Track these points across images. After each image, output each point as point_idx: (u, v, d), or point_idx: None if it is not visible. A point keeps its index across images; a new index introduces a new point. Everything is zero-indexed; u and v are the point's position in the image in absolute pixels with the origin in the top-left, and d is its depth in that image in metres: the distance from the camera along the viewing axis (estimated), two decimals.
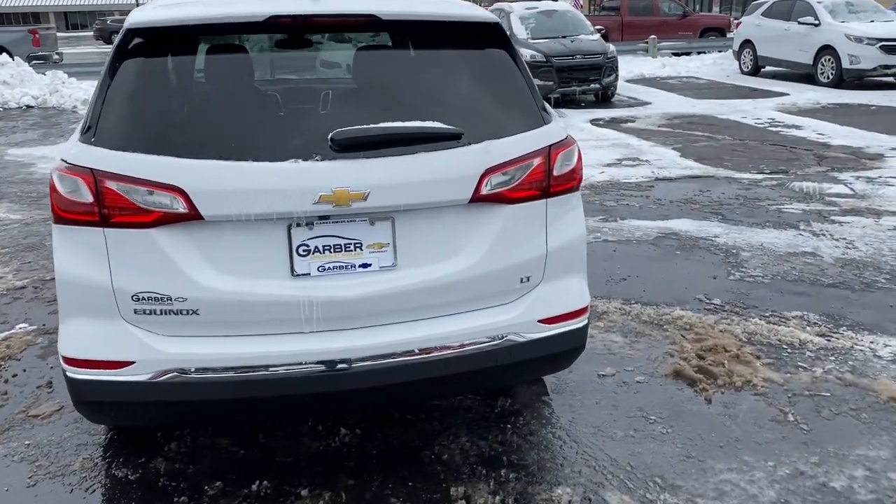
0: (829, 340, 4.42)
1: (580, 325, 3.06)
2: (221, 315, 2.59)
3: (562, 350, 3.06)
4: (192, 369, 2.57)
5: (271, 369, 2.61)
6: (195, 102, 2.78)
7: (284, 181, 2.52)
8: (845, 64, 16.17)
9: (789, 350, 4.31)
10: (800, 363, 4.15)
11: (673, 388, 3.91)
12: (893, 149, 10.21)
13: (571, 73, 14.56)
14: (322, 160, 2.55)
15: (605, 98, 15.42)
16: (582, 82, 14.70)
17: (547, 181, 2.84)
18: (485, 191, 2.72)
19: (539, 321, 2.94)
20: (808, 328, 4.59)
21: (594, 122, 13.03)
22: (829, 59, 16.63)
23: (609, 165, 9.49)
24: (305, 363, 2.63)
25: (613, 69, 15.14)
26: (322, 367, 2.65)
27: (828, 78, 16.68)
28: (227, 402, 2.65)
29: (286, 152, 2.55)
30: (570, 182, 2.95)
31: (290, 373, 2.62)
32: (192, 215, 2.49)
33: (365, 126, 2.60)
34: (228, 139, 2.59)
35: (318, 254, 2.65)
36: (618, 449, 3.36)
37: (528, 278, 2.89)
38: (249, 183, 2.50)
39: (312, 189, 2.52)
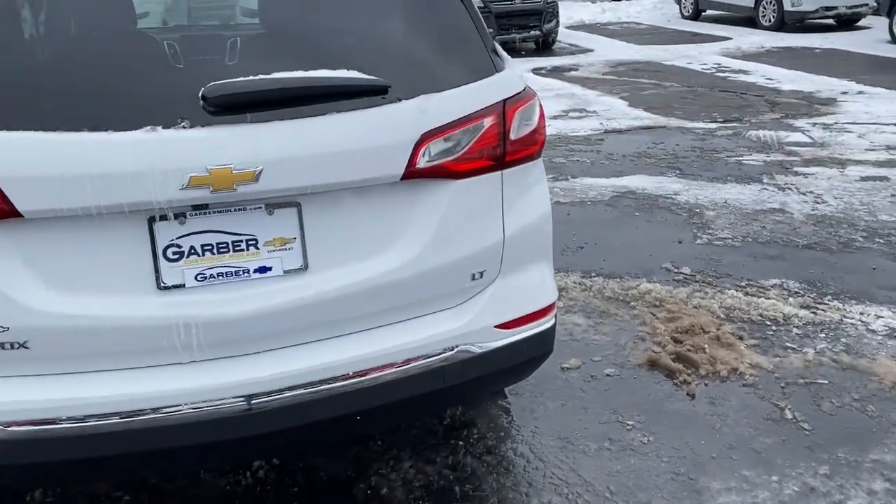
0: (815, 313, 3.92)
1: (546, 326, 2.43)
2: (61, 347, 1.87)
3: (525, 360, 2.43)
4: (22, 422, 1.85)
5: (138, 416, 1.91)
6: (17, 49, 1.99)
7: (137, 158, 1.78)
8: (787, 6, 15.81)
9: (774, 327, 3.79)
10: (788, 343, 3.63)
11: (649, 381, 3.34)
12: (844, 93, 9.85)
13: (511, 19, 13.81)
14: (191, 127, 1.82)
15: (545, 46, 14.75)
16: (522, 29, 13.98)
17: (502, 147, 2.17)
18: (421, 163, 2.04)
19: (497, 326, 2.30)
20: (790, 299, 4.08)
21: (536, 71, 12.35)
22: (771, 2, 16.25)
23: (555, 118, 8.85)
24: (186, 405, 1.94)
25: (554, 15, 14.43)
26: (209, 409, 1.96)
27: (769, 21, 16.32)
28: (75, 462, 1.94)
29: (140, 118, 1.81)
30: (531, 147, 2.28)
31: (166, 418, 1.93)
32: (7, 212, 1.75)
33: (250, 78, 1.88)
34: (60, 102, 1.83)
35: (196, 256, 1.93)
36: (593, 467, 2.78)
37: (480, 274, 2.24)
38: (86, 163, 1.76)
39: (179, 168, 1.80)
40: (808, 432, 2.95)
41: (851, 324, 3.81)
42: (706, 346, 3.57)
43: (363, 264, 2.08)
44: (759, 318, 3.89)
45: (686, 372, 3.38)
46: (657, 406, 3.15)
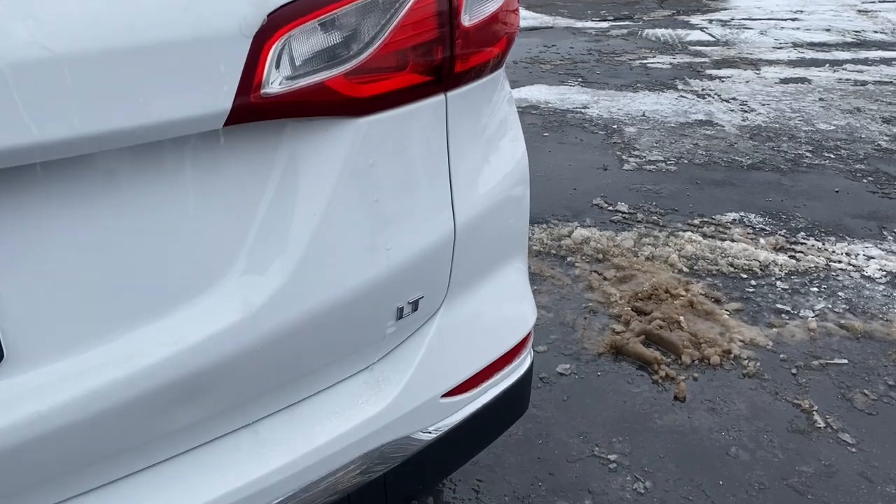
0: (794, 258, 3.09)
1: (521, 371, 1.37)
2: None
3: (488, 431, 1.37)
4: None
5: None
6: None
7: None
8: None
9: (753, 282, 2.92)
10: (778, 304, 2.77)
11: (620, 379, 2.39)
12: None
13: None
14: None
15: None
16: None
17: (446, 44, 1.02)
18: (274, 83, 0.86)
19: (445, 396, 1.21)
20: (759, 240, 3.23)
21: None
22: None
23: None
24: None
25: None
26: None
27: None
28: None
29: None
30: (495, 45, 1.15)
31: None
32: None
33: None
34: None
35: None
36: None
37: (413, 305, 1.13)
38: None
39: None
40: (853, 448, 2.10)
41: (842, 270, 3.01)
42: (680, 317, 2.65)
43: (157, 325, 0.90)
44: (731, 269, 3.01)
45: (665, 361, 2.45)
46: (641, 421, 2.20)
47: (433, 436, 1.21)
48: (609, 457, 2.06)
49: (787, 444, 2.11)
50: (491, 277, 1.28)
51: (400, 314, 1.12)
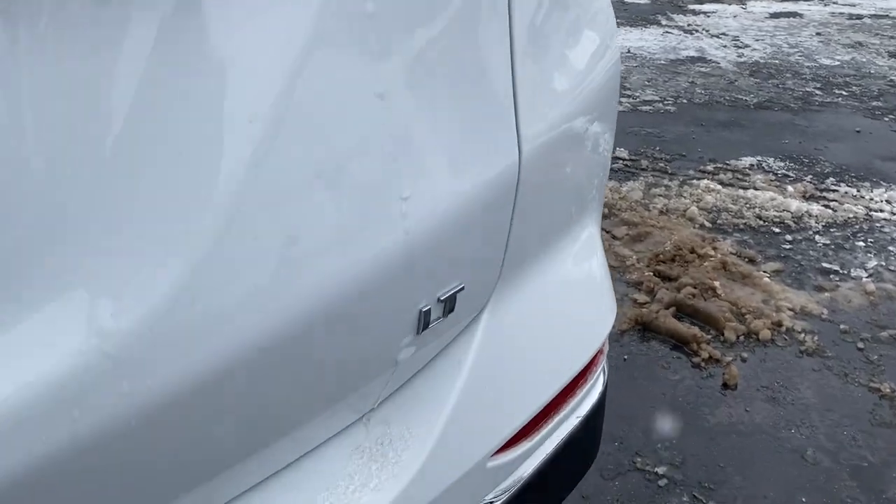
0: (830, 208, 2.65)
1: (594, 397, 0.85)
2: None
3: (558, 488, 0.86)
4: None
5: None
6: None
7: None
8: None
9: (789, 237, 2.47)
10: (824, 263, 2.33)
11: (653, 365, 1.91)
12: None
13: None
14: None
15: None
16: None
17: None
18: None
19: (495, 453, 0.68)
20: (786, 187, 2.78)
21: None
22: None
23: None
24: None
25: None
26: None
27: None
28: None
29: None
30: None
31: None
32: None
33: None
34: None
35: None
36: None
37: (447, 301, 0.59)
38: None
39: None
40: None
41: (887, 220, 2.58)
42: (714, 282, 2.18)
43: None
44: (760, 222, 2.55)
45: (705, 339, 1.98)
46: (689, 419, 1.73)
47: None
48: (657, 470, 1.59)
49: (874, 443, 1.66)
50: (557, 250, 0.76)
51: (424, 321, 0.60)
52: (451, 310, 0.62)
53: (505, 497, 0.74)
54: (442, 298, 0.61)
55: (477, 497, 0.70)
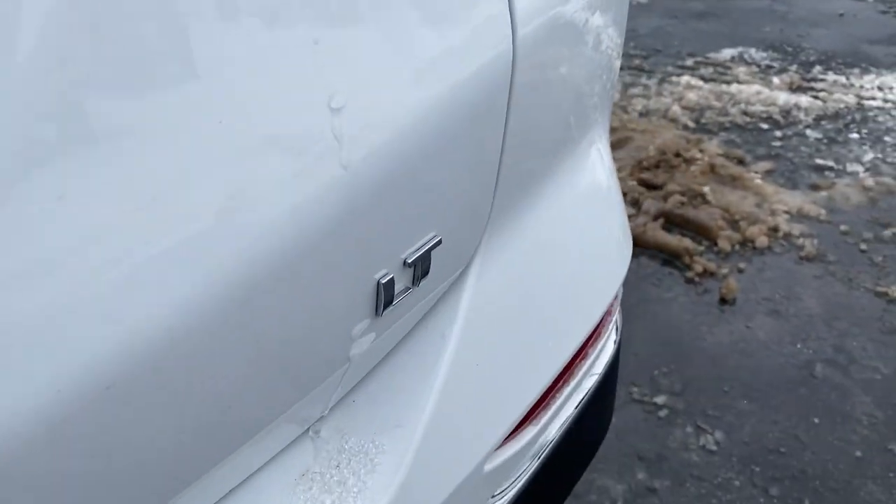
0: (819, 99, 2.47)
1: (605, 359, 0.68)
2: None
3: (573, 467, 0.69)
4: None
5: None
6: None
7: None
8: None
9: (778, 133, 2.30)
10: (817, 159, 2.17)
11: (645, 284, 1.77)
12: None
13: None
14: None
15: None
16: None
17: None
18: None
19: (497, 449, 0.51)
20: (770, 79, 2.59)
21: None
22: None
23: None
24: None
25: None
26: None
27: None
28: None
29: None
30: None
31: None
32: None
33: None
34: None
35: None
36: None
37: (417, 263, 0.42)
38: None
39: None
40: None
41: (879, 108, 2.41)
42: (703, 188, 2.01)
43: None
44: (747, 119, 2.37)
45: (698, 251, 1.83)
46: (686, 340, 1.59)
47: None
48: (655, 400, 1.45)
49: (886, 353, 1.54)
50: (559, 177, 0.57)
51: (385, 297, 0.41)
52: (425, 273, 0.44)
53: (507, 496, 0.57)
54: (409, 261, 0.43)
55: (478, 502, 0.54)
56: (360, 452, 0.46)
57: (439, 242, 0.44)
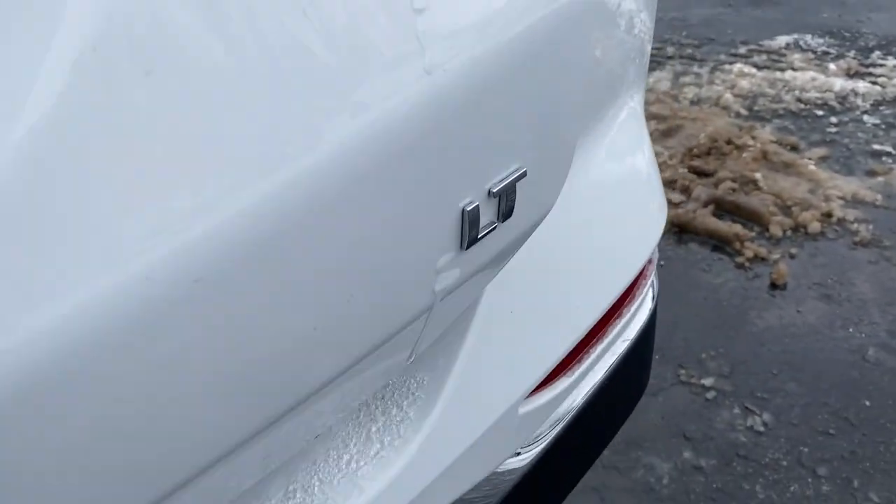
0: (878, 84, 2.43)
1: (643, 317, 0.70)
2: None
3: (608, 422, 0.72)
4: None
5: None
6: None
7: None
8: None
9: (834, 120, 2.27)
10: (874, 145, 2.14)
11: (694, 269, 1.77)
12: None
13: None
14: None
15: None
16: None
17: None
18: None
19: (529, 395, 0.54)
20: (826, 65, 2.55)
21: None
22: None
23: None
24: None
25: None
26: None
27: None
28: None
29: None
30: None
31: None
32: None
33: None
34: None
35: None
36: None
37: (502, 193, 0.43)
38: None
39: None
40: None
41: None
42: (755, 174, 2.00)
43: None
44: (801, 105, 2.34)
45: (749, 236, 1.82)
46: (735, 324, 1.59)
47: (506, 467, 0.57)
48: (703, 382, 1.46)
49: None
50: (595, 131, 0.60)
51: (471, 226, 0.42)
52: (510, 210, 0.43)
53: (541, 446, 0.60)
54: (494, 191, 0.42)
55: (507, 451, 0.57)
56: (402, 386, 0.50)
57: (524, 174, 0.43)
